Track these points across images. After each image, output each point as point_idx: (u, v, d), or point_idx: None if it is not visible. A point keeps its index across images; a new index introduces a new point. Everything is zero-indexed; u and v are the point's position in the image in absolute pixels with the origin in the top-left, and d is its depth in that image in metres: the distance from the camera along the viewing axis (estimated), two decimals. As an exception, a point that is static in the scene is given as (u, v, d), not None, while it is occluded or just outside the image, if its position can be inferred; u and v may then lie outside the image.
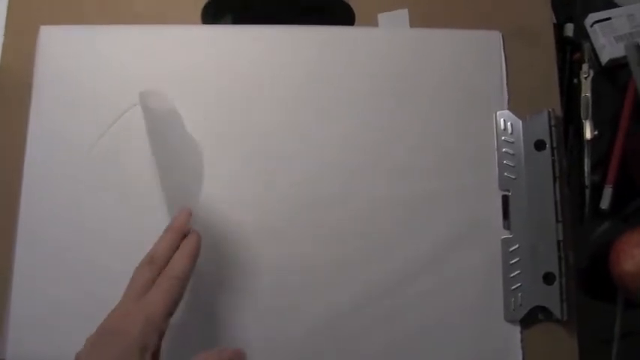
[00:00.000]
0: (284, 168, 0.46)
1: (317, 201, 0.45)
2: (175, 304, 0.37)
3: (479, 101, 0.47)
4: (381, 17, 0.49)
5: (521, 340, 0.43)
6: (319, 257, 0.44)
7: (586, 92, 0.51)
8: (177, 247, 0.40)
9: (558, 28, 0.53)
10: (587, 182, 0.50)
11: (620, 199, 0.50)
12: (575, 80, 0.52)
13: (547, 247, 0.44)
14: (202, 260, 0.44)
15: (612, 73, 0.53)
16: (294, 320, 0.43)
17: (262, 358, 0.43)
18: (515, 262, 0.44)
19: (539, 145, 0.45)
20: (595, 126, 0.51)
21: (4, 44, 0.48)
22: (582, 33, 0.54)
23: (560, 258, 0.43)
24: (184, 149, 0.46)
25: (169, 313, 0.36)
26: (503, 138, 0.46)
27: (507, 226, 0.45)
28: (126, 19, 0.49)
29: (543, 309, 0.43)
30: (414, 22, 0.49)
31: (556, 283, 0.43)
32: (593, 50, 0.54)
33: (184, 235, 0.41)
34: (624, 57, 0.52)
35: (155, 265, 0.38)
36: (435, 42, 0.48)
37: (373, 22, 0.49)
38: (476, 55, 0.48)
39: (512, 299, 0.43)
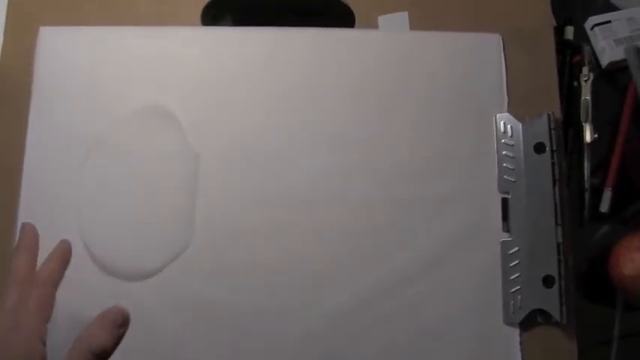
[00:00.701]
0: (284, 168, 0.46)
1: (316, 201, 0.45)
2: (50, 308, 0.37)
3: (478, 104, 0.47)
4: (381, 20, 0.49)
5: (521, 343, 0.43)
6: (318, 258, 0.44)
7: (586, 95, 0.52)
8: (35, 262, 0.40)
9: (558, 30, 0.53)
10: (586, 185, 0.50)
11: (619, 202, 0.50)
12: (575, 83, 0.52)
13: (546, 249, 0.44)
14: (198, 260, 0.44)
15: (612, 76, 0.53)
16: (292, 321, 0.43)
17: (260, 359, 0.43)
18: (514, 265, 0.44)
19: (539, 148, 0.45)
20: (595, 129, 0.51)
21: (3, 44, 0.48)
22: (582, 36, 0.54)
23: (559, 261, 0.43)
24: (181, 152, 0.46)
25: (46, 320, 0.37)
26: (502, 141, 0.46)
27: (507, 228, 0.45)
28: (126, 20, 0.49)
29: (542, 312, 0.43)
30: (414, 25, 0.49)
31: (555, 286, 0.43)
32: (593, 53, 0.54)
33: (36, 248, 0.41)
34: (624, 60, 0.52)
35: (20, 283, 0.38)
36: (435, 44, 0.48)
37: (373, 25, 0.49)
38: (476, 57, 0.48)
39: (512, 302, 0.43)
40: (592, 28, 0.54)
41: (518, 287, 0.43)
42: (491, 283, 0.44)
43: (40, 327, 0.36)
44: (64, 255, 0.41)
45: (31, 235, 0.42)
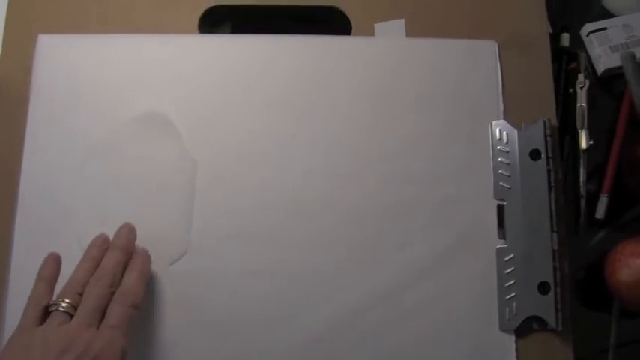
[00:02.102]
0: (281, 174, 0.46)
1: (312, 207, 0.45)
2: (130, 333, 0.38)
3: (474, 111, 0.47)
4: (378, 27, 0.50)
5: (516, 350, 0.43)
6: (314, 264, 0.44)
7: (581, 102, 0.52)
8: (125, 266, 0.40)
9: (554, 37, 0.53)
10: (582, 192, 0.50)
11: (615, 208, 0.50)
12: (571, 90, 0.53)
13: (542, 256, 0.44)
14: (195, 265, 0.44)
15: (608, 83, 0.54)
16: (289, 327, 0.43)
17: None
18: (510, 272, 0.44)
19: (535, 155, 0.46)
20: (590, 136, 0.51)
21: (2, 53, 0.48)
22: (578, 43, 0.54)
23: (555, 267, 0.43)
24: (179, 158, 0.46)
25: (128, 343, 0.37)
26: (498, 147, 0.46)
27: (502, 235, 0.45)
28: (124, 28, 0.49)
29: (538, 318, 0.43)
30: (411, 32, 0.50)
31: (551, 293, 0.43)
32: (589, 60, 0.54)
33: (130, 253, 0.41)
34: (620, 67, 0.52)
35: (105, 283, 0.38)
36: (431, 51, 0.49)
37: (370, 32, 0.50)
38: (471, 64, 0.48)
39: (507, 309, 0.43)
40: (588, 35, 0.54)
41: (514, 294, 0.44)
42: (486, 290, 0.44)
43: (123, 348, 0.37)
44: (148, 271, 0.41)
45: (126, 239, 0.42)
